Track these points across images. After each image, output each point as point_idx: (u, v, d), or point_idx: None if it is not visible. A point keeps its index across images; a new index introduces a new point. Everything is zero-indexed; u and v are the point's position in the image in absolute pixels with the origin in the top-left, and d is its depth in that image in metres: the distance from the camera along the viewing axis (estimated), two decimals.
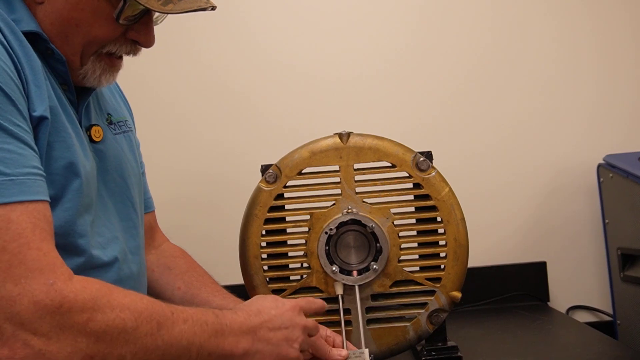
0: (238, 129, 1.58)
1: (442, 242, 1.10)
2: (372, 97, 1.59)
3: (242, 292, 1.11)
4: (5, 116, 0.69)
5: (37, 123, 0.75)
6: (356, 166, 1.10)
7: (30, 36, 0.78)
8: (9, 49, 0.73)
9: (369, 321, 1.10)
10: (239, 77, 1.59)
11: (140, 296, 0.76)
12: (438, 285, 1.09)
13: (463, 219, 1.10)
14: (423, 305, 1.10)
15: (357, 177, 1.10)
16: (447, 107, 1.60)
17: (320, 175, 1.11)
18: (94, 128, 0.89)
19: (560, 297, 1.57)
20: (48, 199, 0.72)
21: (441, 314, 1.10)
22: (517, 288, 1.54)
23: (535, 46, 1.60)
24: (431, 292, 1.10)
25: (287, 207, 1.12)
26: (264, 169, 1.12)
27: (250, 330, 0.84)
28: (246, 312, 0.86)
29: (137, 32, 0.84)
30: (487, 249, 1.57)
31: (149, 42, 0.85)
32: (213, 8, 0.84)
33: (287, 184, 1.11)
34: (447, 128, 1.60)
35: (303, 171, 1.11)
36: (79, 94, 0.87)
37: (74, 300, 0.67)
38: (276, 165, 1.11)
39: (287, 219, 1.11)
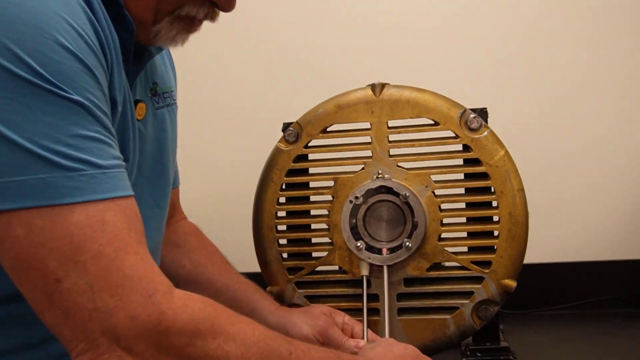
0: (260, 89, 1.50)
1: (494, 218, 1.01)
2: (415, 46, 1.46)
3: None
4: (93, 101, 0.66)
5: (110, 110, 0.73)
6: (391, 123, 1.03)
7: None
8: (97, 25, 0.70)
9: (400, 310, 1.03)
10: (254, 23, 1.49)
11: (253, 326, 0.72)
12: (487, 271, 1.00)
13: (521, 189, 1.00)
14: (468, 294, 1.01)
15: (391, 137, 1.03)
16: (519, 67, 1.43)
17: (348, 133, 1.05)
18: (138, 105, 0.84)
19: None
20: (133, 192, 0.70)
21: (490, 307, 1.00)
22: (612, 291, 1.36)
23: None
24: (478, 279, 1.00)
25: (309, 171, 1.06)
26: (285, 127, 1.07)
27: None
28: None
29: None
30: (577, 243, 1.40)
31: (229, 4, 0.80)
32: None
33: (309, 144, 1.06)
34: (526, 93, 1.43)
35: (328, 129, 1.05)
36: (134, 62, 0.82)
37: (172, 319, 0.65)
38: (297, 122, 1.06)
39: (309, 184, 1.06)
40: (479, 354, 1.00)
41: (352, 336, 0.95)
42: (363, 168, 1.02)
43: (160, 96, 0.92)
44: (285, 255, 1.06)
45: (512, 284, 0.98)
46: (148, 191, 0.88)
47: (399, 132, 1.02)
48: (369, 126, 1.02)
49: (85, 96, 0.64)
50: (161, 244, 0.96)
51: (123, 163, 0.69)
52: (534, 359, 1.07)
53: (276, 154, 1.05)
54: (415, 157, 1.02)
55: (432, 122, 1.01)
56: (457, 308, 1.00)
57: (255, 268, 1.08)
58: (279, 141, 1.05)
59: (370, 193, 1.00)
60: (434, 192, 1.00)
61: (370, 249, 1.00)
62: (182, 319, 0.65)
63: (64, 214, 0.62)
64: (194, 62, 1.45)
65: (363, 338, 0.94)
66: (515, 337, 1.11)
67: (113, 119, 0.73)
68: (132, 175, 0.81)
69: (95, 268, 0.62)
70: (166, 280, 0.67)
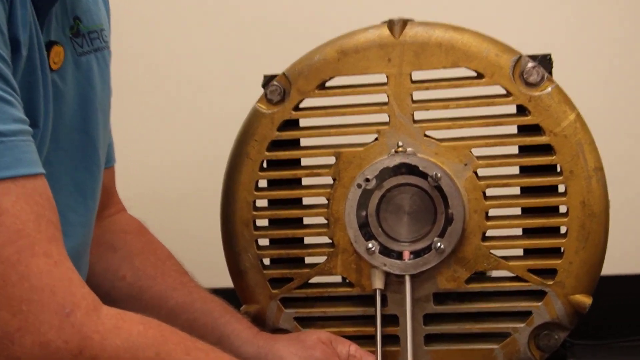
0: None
1: (561, 209, 0.95)
2: None
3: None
4: None
5: (10, 55, 0.72)
6: (416, 76, 0.95)
7: None
8: None
9: (428, 338, 0.96)
10: None
11: (215, 355, 0.72)
12: (551, 283, 0.93)
13: (600, 168, 0.93)
14: (524, 315, 0.94)
15: (416, 95, 0.95)
16: None
17: (355, 90, 0.98)
18: (53, 49, 0.81)
19: None
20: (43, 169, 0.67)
21: (555, 334, 0.93)
22: None
23: None
24: (539, 294, 0.94)
25: (300, 142, 1.01)
26: (267, 80, 1.00)
27: None
28: None
29: None
30: None
31: None
32: None
33: (301, 105, 0.98)
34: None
35: (327, 84, 0.98)
36: None
37: (99, 346, 0.64)
38: (284, 74, 0.97)
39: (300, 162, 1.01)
40: None
41: None
42: (376, 139, 0.96)
43: (86, 37, 0.88)
44: (267, 261, 1.00)
45: (586, 301, 0.92)
46: (68, 171, 0.85)
47: (427, 88, 0.95)
48: (385, 80, 0.95)
49: None
50: (89, 246, 0.92)
51: (29, 129, 0.66)
52: None
53: (254, 119, 0.98)
54: (449, 123, 0.95)
55: (474, 74, 0.94)
56: (508, 335, 0.94)
57: (226, 281, 1.04)
58: (259, 101, 0.98)
59: (386, 174, 0.94)
60: (476, 173, 0.94)
61: (386, 252, 0.94)
62: (113, 345, 0.63)
63: None
64: None
65: None
66: None
67: (15, 67, 0.70)
68: (44, 147, 0.78)
69: None
70: (90, 294, 0.64)
